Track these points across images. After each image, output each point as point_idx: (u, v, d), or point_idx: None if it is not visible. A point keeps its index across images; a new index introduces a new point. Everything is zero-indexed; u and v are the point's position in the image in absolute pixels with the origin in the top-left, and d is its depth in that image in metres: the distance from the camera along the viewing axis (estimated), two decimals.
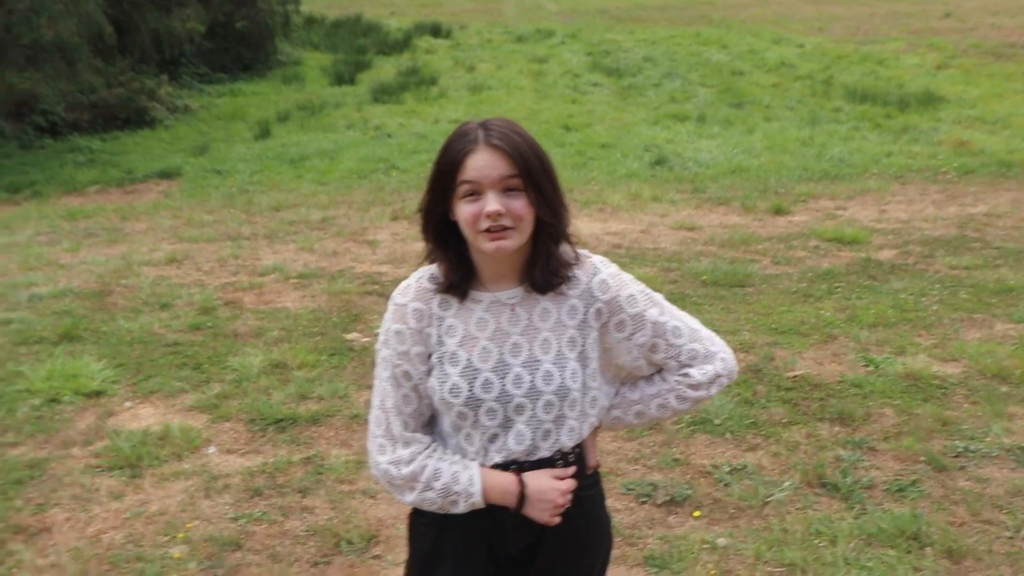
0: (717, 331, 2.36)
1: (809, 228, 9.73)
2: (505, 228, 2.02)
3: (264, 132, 17.05)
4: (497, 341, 2.14)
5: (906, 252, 8.66)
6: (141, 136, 17.77)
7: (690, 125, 16.39)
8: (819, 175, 12.66)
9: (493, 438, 2.15)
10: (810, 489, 4.40)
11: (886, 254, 8.62)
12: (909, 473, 4.52)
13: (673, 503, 4.31)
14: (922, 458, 4.65)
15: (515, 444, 2.14)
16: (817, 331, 6.44)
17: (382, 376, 2.20)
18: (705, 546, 3.95)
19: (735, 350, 5.95)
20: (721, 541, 3.98)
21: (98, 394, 5.61)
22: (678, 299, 6.80)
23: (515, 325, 2.14)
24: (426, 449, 2.18)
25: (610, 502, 4.27)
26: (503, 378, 2.11)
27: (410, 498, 2.17)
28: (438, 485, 2.13)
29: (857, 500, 4.27)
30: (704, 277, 7.83)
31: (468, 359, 2.12)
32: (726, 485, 4.45)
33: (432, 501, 2.15)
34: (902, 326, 6.54)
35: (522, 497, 2.14)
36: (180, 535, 4.09)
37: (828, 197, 11.36)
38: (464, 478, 2.13)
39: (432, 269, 2.18)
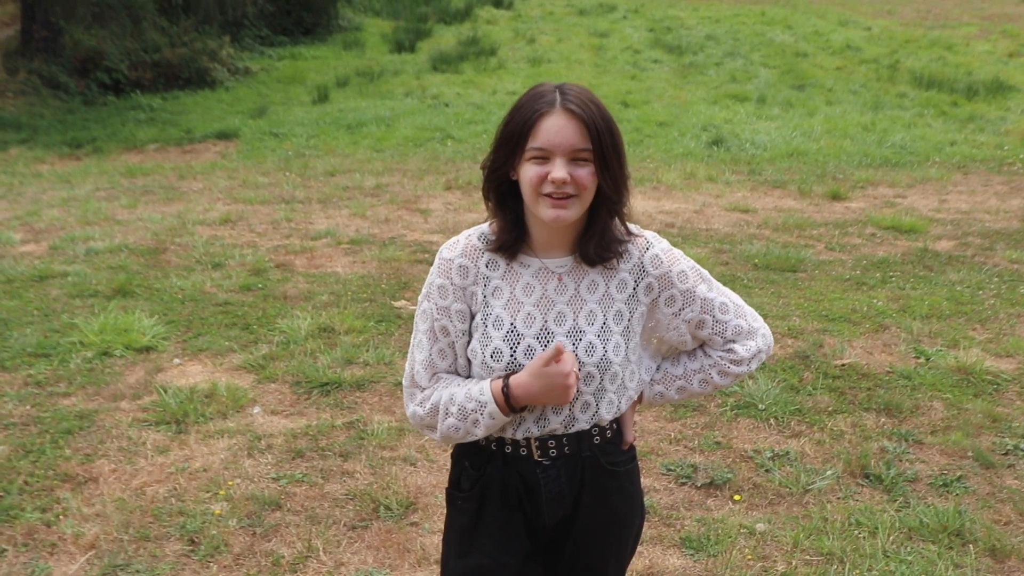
0: (766, 315, 2.34)
1: (866, 215, 9.59)
2: (568, 196, 1.98)
3: (322, 97, 17.14)
4: (542, 308, 2.11)
5: (965, 244, 8.50)
6: (201, 96, 17.96)
7: (750, 106, 16.21)
8: (879, 161, 12.47)
9: (531, 409, 2.12)
10: (852, 479, 4.35)
11: (944, 245, 8.47)
12: (955, 468, 4.45)
13: (713, 486, 4.28)
14: (969, 454, 4.57)
15: (553, 415, 2.13)
16: (868, 320, 6.35)
17: (420, 328, 2.19)
18: (743, 531, 3.92)
19: (784, 335, 5.86)
20: (759, 527, 3.94)
21: (148, 349, 5.70)
22: (729, 281, 6.73)
23: (561, 294, 2.12)
24: (442, 382, 2.16)
25: (649, 482, 4.26)
26: (545, 346, 2.08)
27: (438, 433, 2.14)
28: (454, 409, 2.10)
29: (900, 493, 4.21)
30: (756, 260, 7.74)
31: (512, 323, 2.10)
32: (767, 471, 4.41)
33: (456, 427, 2.10)
34: (956, 319, 6.43)
35: (528, 393, 2.04)
36: (222, 492, 4.15)
37: (887, 184, 11.18)
38: (475, 391, 2.08)
39: (483, 228, 2.16)
